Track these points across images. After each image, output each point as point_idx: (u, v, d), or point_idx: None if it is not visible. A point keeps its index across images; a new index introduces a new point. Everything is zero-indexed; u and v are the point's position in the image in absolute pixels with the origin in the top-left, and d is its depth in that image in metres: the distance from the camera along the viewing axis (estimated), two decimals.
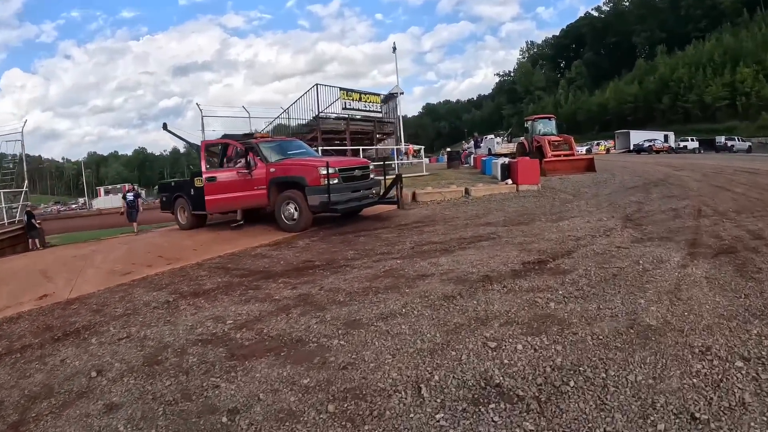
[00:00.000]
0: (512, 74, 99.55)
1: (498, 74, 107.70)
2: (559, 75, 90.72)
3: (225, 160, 9.11)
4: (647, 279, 3.72)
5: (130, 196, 14.04)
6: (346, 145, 16.32)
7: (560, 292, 3.54)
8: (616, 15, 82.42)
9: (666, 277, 3.72)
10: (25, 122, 16.30)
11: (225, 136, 9.95)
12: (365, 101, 17.64)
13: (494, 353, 2.64)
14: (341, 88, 16.25)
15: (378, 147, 20.17)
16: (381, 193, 9.02)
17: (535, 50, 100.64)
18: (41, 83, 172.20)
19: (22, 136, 16.16)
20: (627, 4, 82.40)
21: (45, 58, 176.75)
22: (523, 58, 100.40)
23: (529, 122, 17.59)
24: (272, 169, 8.29)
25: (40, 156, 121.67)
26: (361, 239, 6.75)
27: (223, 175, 8.44)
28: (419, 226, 7.44)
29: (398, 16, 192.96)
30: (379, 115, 18.67)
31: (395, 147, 28.95)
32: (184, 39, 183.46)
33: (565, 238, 5.58)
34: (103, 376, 2.92)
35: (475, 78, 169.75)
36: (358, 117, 17.39)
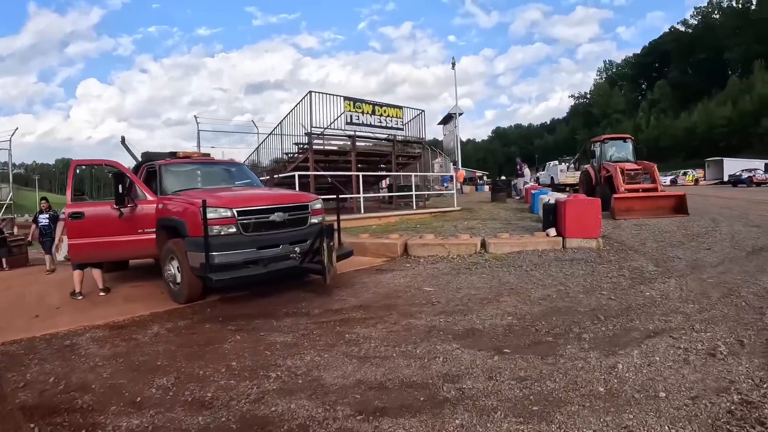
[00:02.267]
0: (588, 96, 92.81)
1: (573, 96, 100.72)
2: (639, 97, 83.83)
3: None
4: None
5: (43, 219, 9.19)
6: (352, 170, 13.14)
7: None
8: (705, 28, 73.17)
9: None
10: (16, 130, 15.03)
11: (144, 155, 7.38)
12: (381, 115, 14.43)
13: None
14: (346, 98, 13.15)
15: (402, 173, 16.98)
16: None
17: (613, 70, 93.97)
18: (117, 94, 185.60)
19: (9, 144, 15.03)
20: (718, 16, 73.14)
21: (121, 71, 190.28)
22: (600, 78, 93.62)
23: (597, 144, 13.08)
24: (160, 205, 5.51)
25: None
26: (227, 344, 3.64)
27: (94, 211, 5.55)
28: (352, 321, 4.14)
29: (471, 38, 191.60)
30: (401, 132, 15.29)
31: (444, 173, 25.27)
32: (257, 58, 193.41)
33: None
34: None
35: (550, 101, 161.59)
36: (369, 135, 14.28)
